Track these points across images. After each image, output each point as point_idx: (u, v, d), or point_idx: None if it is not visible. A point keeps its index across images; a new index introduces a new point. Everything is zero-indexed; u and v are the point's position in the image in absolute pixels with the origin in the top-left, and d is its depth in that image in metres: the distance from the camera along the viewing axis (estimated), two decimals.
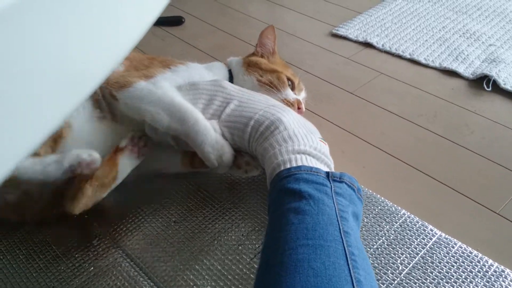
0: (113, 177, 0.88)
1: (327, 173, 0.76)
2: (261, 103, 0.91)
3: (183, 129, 0.87)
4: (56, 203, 0.86)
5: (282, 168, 0.77)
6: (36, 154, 0.81)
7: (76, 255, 0.85)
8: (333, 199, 0.71)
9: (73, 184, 0.85)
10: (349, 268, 0.59)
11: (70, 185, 0.85)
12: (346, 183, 0.76)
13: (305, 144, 0.82)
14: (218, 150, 0.87)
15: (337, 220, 0.66)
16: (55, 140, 0.86)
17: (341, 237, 0.64)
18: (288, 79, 1.05)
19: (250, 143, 0.88)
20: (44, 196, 0.85)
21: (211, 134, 0.87)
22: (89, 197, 0.84)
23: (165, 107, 0.87)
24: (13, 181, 0.79)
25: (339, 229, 0.65)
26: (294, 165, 0.77)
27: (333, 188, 0.73)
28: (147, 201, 0.96)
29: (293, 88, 1.06)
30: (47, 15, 0.31)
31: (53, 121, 0.35)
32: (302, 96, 1.10)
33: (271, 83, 1.02)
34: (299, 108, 1.01)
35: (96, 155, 0.83)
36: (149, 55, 1.09)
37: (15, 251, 0.86)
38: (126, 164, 0.90)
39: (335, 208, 0.69)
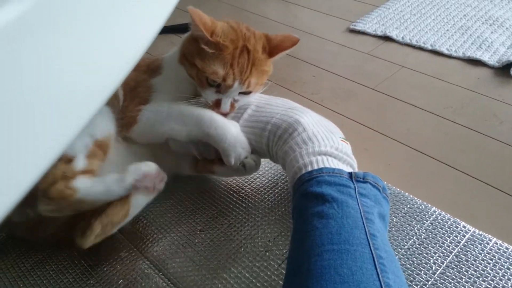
0: (124, 215, 0.82)
1: (350, 174, 0.74)
2: (278, 107, 0.90)
3: (202, 131, 0.85)
4: (69, 229, 0.85)
5: (304, 171, 0.76)
6: (88, 171, 0.80)
7: (105, 269, 0.85)
8: (357, 200, 0.69)
9: (84, 219, 0.82)
10: (377, 272, 0.58)
11: (81, 218, 0.83)
12: (370, 183, 0.73)
13: (326, 145, 0.80)
14: (240, 143, 0.86)
15: (363, 223, 0.64)
16: (104, 153, 0.85)
17: (368, 240, 0.62)
18: (208, 79, 0.85)
19: (270, 147, 0.87)
20: (58, 220, 0.85)
21: (231, 129, 0.85)
22: (98, 234, 0.81)
23: (177, 119, 0.86)
24: (72, 201, 0.78)
25: (365, 231, 0.63)
26: (316, 167, 0.75)
27: (357, 189, 0.71)
28: (171, 210, 0.96)
29: (218, 85, 0.86)
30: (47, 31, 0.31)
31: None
32: (233, 95, 0.87)
33: (193, 78, 0.88)
34: (218, 110, 0.87)
35: (154, 167, 0.81)
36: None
37: (45, 267, 0.86)
38: (139, 201, 0.83)
39: (360, 210, 0.67)
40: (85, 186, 0.77)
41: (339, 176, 0.73)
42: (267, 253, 0.85)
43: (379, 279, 0.57)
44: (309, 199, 0.70)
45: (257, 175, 1.02)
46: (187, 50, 0.88)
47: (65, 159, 0.78)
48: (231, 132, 0.85)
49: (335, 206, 0.67)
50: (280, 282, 0.79)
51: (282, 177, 1.01)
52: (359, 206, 0.68)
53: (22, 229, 0.86)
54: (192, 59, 0.85)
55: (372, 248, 0.61)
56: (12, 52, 0.29)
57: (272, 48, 0.89)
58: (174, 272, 0.83)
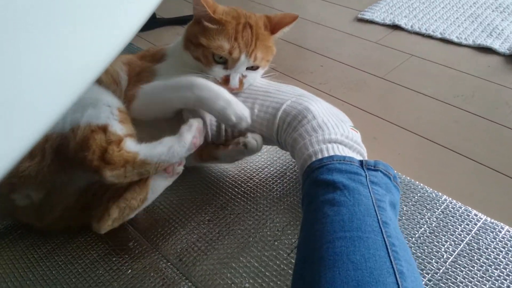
0: (142, 199, 0.84)
1: (361, 162, 0.73)
2: (288, 94, 0.89)
3: (195, 96, 0.83)
4: (79, 215, 0.86)
5: (314, 159, 0.75)
6: (130, 135, 0.81)
7: (114, 259, 0.85)
8: (368, 188, 0.68)
9: (100, 204, 0.83)
10: (390, 259, 0.57)
11: (97, 203, 0.84)
12: (381, 171, 0.72)
13: (336, 133, 0.79)
14: (236, 103, 0.83)
15: (375, 210, 0.63)
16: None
17: (380, 228, 0.61)
18: (214, 55, 0.86)
19: (279, 134, 0.86)
20: (66, 201, 0.84)
21: (224, 92, 0.83)
22: (115, 219, 0.82)
23: (173, 88, 0.85)
24: (129, 163, 0.78)
25: (377, 219, 0.62)
26: (326, 155, 0.74)
27: (368, 177, 0.70)
28: (179, 201, 0.96)
29: (225, 61, 0.87)
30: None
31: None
32: (240, 70, 0.88)
33: (199, 60, 0.89)
34: (227, 86, 0.86)
35: (201, 122, 0.83)
36: (140, 52, 1.04)
37: (54, 257, 0.86)
38: (157, 185, 0.85)
39: (372, 198, 0.66)
40: (145, 148, 0.79)
41: (350, 163, 0.72)
42: (276, 243, 0.84)
43: (393, 267, 0.56)
44: (319, 186, 0.69)
45: (265, 165, 1.01)
46: (191, 33, 0.89)
47: (100, 129, 0.78)
48: (224, 94, 0.83)
49: (346, 193, 0.66)
50: (290, 271, 0.79)
51: (291, 166, 1.00)
52: (370, 194, 0.67)
53: (28, 214, 0.86)
54: (197, 39, 0.87)
55: (384, 235, 0.60)
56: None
57: (274, 25, 0.90)
58: (183, 262, 0.83)
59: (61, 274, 0.83)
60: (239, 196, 0.95)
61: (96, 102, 0.81)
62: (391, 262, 0.56)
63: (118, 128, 0.80)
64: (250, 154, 0.91)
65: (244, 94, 0.90)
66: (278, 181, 0.97)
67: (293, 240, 0.84)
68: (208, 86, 0.83)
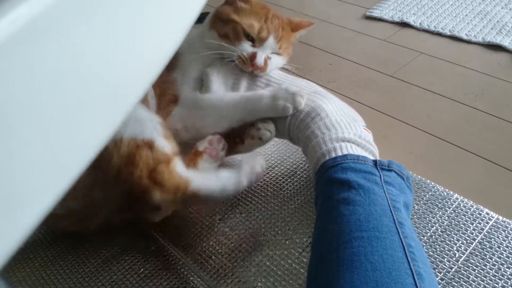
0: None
1: (375, 162, 0.73)
2: (303, 89, 0.89)
3: (242, 111, 0.86)
4: (123, 208, 0.83)
5: (327, 157, 0.75)
6: (176, 153, 0.80)
7: (126, 258, 0.86)
8: (383, 188, 0.67)
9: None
10: (408, 260, 0.57)
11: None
12: (395, 172, 0.72)
13: (349, 132, 0.79)
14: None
15: (390, 211, 0.63)
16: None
17: (396, 228, 0.61)
18: (244, 31, 0.90)
19: (291, 130, 0.86)
20: (111, 201, 0.82)
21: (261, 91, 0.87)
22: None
23: (213, 116, 0.88)
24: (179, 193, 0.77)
25: (394, 220, 0.62)
26: (340, 154, 0.74)
27: (382, 177, 0.70)
28: None
29: (253, 41, 0.90)
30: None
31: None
32: (266, 52, 0.91)
33: (227, 36, 0.91)
34: (252, 64, 0.88)
35: (265, 164, 0.82)
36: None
37: (67, 257, 0.87)
38: (205, 169, 0.84)
39: (387, 198, 0.66)
40: (198, 178, 0.77)
41: (364, 163, 0.72)
42: (287, 242, 0.85)
43: (410, 268, 0.56)
44: (334, 185, 0.69)
45: (275, 164, 1.01)
46: (222, 12, 0.94)
47: (146, 144, 0.76)
48: (261, 91, 0.86)
49: (361, 193, 0.66)
50: (301, 270, 0.79)
51: (301, 165, 1.00)
52: (385, 194, 0.66)
53: (66, 222, 0.84)
54: (228, 16, 0.91)
55: (401, 236, 0.60)
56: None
57: (294, 25, 0.98)
58: (195, 261, 0.83)
59: (74, 273, 0.84)
60: (250, 195, 0.95)
61: (136, 115, 0.79)
62: (408, 263, 0.56)
63: (164, 144, 0.77)
64: (266, 143, 0.91)
65: (259, 83, 0.91)
66: (289, 180, 0.97)
67: (305, 239, 0.84)
68: (245, 96, 0.87)
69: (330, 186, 0.70)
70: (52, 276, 0.83)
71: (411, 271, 0.55)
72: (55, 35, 0.28)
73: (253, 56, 0.88)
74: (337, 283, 0.55)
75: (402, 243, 0.59)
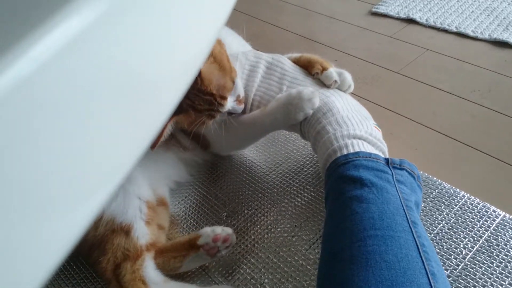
0: (174, 268, 0.79)
1: (387, 160, 0.73)
2: (316, 85, 0.89)
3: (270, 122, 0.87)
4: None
5: (339, 154, 0.74)
6: (152, 244, 0.78)
7: None
8: (396, 187, 0.67)
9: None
10: (422, 260, 0.56)
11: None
12: (406, 170, 0.72)
13: (361, 129, 0.79)
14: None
15: (403, 210, 0.63)
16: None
17: (410, 228, 0.60)
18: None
19: (302, 124, 0.86)
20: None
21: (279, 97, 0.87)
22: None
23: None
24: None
25: (407, 219, 0.62)
26: (351, 151, 0.73)
27: (394, 176, 0.69)
28: (196, 196, 0.96)
29: None
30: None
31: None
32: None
33: None
34: None
35: (229, 230, 0.78)
36: None
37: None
38: (195, 261, 0.79)
39: (400, 197, 0.65)
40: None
41: (376, 161, 0.71)
42: (294, 238, 0.85)
43: (425, 268, 0.55)
44: (345, 182, 0.69)
45: (282, 161, 1.01)
46: None
47: (123, 230, 0.75)
48: (279, 97, 0.87)
49: (374, 191, 0.65)
50: (308, 267, 0.79)
51: (307, 162, 1.00)
52: (398, 192, 0.66)
53: None
54: None
55: (415, 236, 0.59)
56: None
57: None
58: None
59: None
60: (256, 192, 0.95)
61: (127, 189, 0.79)
62: (423, 262, 0.56)
63: (142, 233, 0.76)
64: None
65: (273, 76, 0.91)
66: (295, 176, 0.97)
67: (311, 236, 0.85)
68: (267, 108, 0.89)
69: (342, 183, 0.70)
70: None
71: (426, 271, 0.55)
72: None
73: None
74: (352, 281, 0.55)
75: (416, 243, 0.58)
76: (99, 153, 0.30)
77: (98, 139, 0.29)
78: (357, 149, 0.74)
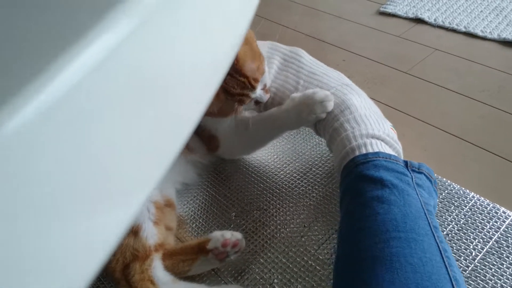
0: (183, 271, 0.79)
1: (406, 162, 0.72)
2: (334, 80, 0.88)
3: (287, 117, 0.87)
4: None
5: (357, 153, 0.73)
6: (160, 245, 0.78)
7: None
8: (416, 190, 0.66)
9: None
10: (445, 265, 0.56)
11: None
12: (424, 174, 0.72)
13: (379, 129, 0.78)
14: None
15: (425, 214, 0.62)
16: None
17: (432, 232, 0.60)
18: None
19: (318, 120, 0.86)
20: None
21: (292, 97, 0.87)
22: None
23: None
24: None
25: (428, 223, 0.61)
26: (371, 150, 0.73)
27: (414, 179, 0.69)
28: (205, 196, 0.96)
29: None
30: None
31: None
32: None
33: None
34: None
35: (239, 235, 0.77)
36: None
37: None
38: (204, 265, 0.79)
39: (420, 201, 0.65)
40: None
41: (396, 163, 0.71)
42: (303, 239, 0.85)
43: (448, 273, 0.55)
44: (365, 182, 0.68)
45: (290, 161, 1.01)
46: None
47: (132, 231, 0.75)
48: (294, 96, 0.86)
49: (395, 192, 0.65)
50: (318, 267, 0.79)
51: (316, 162, 1.00)
52: (418, 196, 0.66)
53: None
54: None
55: (437, 240, 0.59)
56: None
57: None
58: None
59: None
60: (265, 192, 0.95)
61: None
62: (446, 268, 0.55)
63: (150, 233, 0.76)
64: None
65: (290, 69, 0.91)
66: (304, 176, 0.97)
67: (320, 236, 0.85)
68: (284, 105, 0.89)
69: (361, 183, 0.69)
70: None
71: (449, 276, 0.55)
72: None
73: None
74: (376, 282, 0.54)
75: (438, 248, 0.58)
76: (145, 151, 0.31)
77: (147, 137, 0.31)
78: (376, 149, 0.73)
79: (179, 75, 0.33)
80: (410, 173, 0.70)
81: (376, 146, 0.74)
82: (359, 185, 0.69)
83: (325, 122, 0.84)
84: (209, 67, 0.39)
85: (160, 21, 0.29)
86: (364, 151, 0.73)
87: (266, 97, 0.87)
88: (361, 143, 0.75)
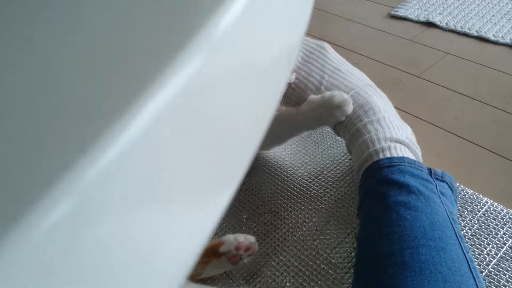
0: (196, 274, 0.77)
1: (429, 170, 0.72)
2: (359, 80, 0.87)
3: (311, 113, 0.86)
4: None
5: (381, 156, 0.73)
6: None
7: None
8: (440, 199, 0.66)
9: None
10: (473, 276, 0.55)
11: None
12: (447, 183, 0.71)
13: (402, 134, 0.77)
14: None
15: (451, 223, 0.62)
16: None
17: (459, 242, 0.59)
18: None
19: None
20: None
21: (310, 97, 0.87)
22: None
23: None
24: None
25: (455, 232, 0.61)
26: (395, 155, 0.72)
27: (438, 187, 0.68)
28: None
29: None
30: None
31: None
32: None
33: None
34: None
35: (252, 239, 0.76)
36: None
37: None
38: (217, 268, 0.78)
39: (445, 210, 0.64)
40: None
41: (421, 169, 0.70)
42: (315, 242, 0.85)
43: (476, 284, 0.54)
44: (390, 186, 0.67)
45: (302, 164, 1.01)
46: None
47: None
48: (312, 99, 0.86)
49: (422, 199, 0.64)
50: (330, 271, 0.79)
51: (328, 165, 1.00)
52: (443, 204, 0.65)
53: None
54: None
55: (464, 250, 0.58)
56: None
57: None
58: None
59: None
60: (276, 195, 0.95)
61: None
62: (474, 279, 0.55)
63: None
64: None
65: (315, 62, 0.90)
66: (316, 179, 0.97)
67: (332, 240, 0.85)
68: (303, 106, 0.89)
69: (386, 186, 0.68)
70: None
71: (477, 287, 0.54)
72: None
73: None
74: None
75: (466, 257, 0.57)
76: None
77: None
78: (400, 154, 0.72)
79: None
80: (434, 181, 0.70)
81: (401, 151, 0.73)
82: (383, 189, 0.68)
83: (346, 122, 0.83)
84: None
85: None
86: (388, 155, 0.72)
87: (293, 77, 0.86)
88: (385, 146, 0.74)
